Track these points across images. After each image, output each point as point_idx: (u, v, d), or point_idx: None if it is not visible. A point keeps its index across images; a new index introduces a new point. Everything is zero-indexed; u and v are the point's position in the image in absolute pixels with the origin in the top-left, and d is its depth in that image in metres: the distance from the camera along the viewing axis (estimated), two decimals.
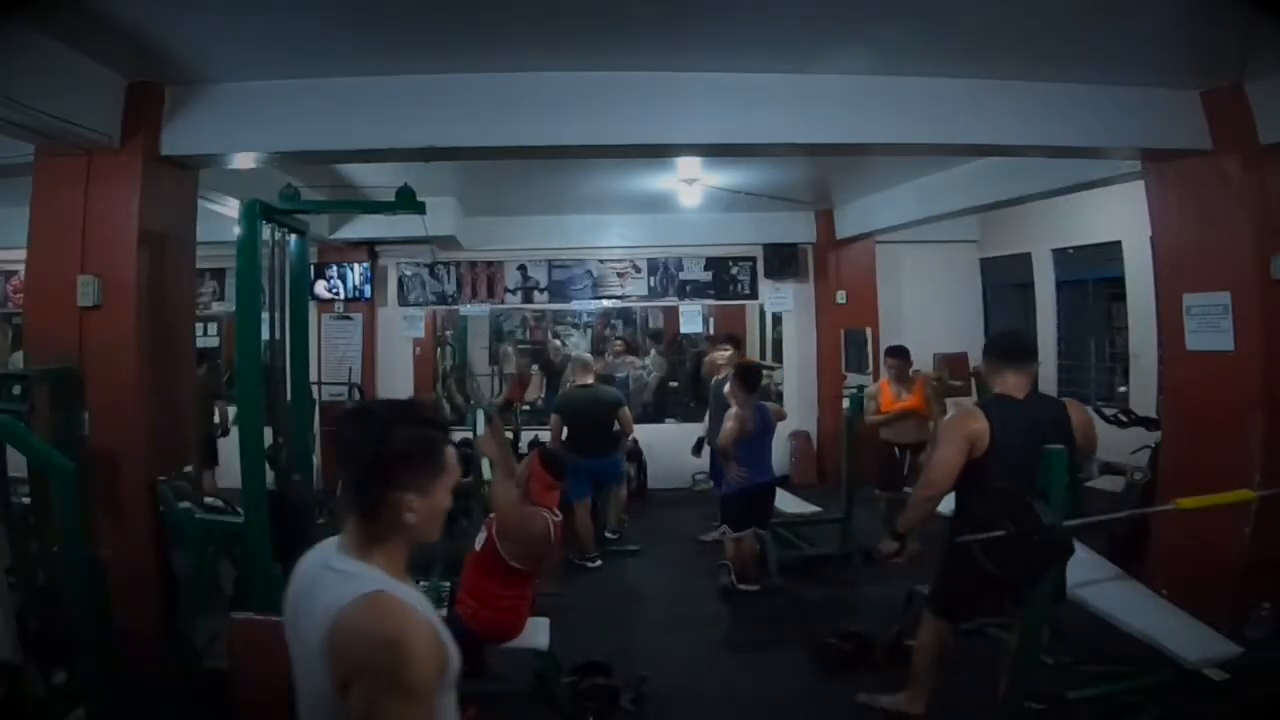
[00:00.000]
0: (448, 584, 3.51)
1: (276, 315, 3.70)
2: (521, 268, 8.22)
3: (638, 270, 8.28)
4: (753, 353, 9.32)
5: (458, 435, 5.87)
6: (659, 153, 4.64)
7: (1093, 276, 6.90)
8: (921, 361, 7.86)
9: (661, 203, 6.93)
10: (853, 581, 5.14)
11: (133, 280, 3.49)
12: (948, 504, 3.02)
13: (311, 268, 7.44)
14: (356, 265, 7.74)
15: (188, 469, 3.81)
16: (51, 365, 3.40)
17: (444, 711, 1.29)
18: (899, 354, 5.64)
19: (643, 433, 7.18)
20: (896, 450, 5.47)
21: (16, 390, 3.35)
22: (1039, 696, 3.00)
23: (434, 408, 1.35)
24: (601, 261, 8.25)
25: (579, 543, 5.58)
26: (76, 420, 3.40)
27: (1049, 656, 3.23)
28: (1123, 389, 6.49)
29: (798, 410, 8.04)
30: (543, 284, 8.26)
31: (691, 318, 8.52)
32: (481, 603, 3.26)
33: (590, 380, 5.92)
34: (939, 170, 6.06)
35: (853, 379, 7.86)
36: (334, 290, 7.72)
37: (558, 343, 9.81)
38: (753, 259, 8.27)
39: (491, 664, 3.60)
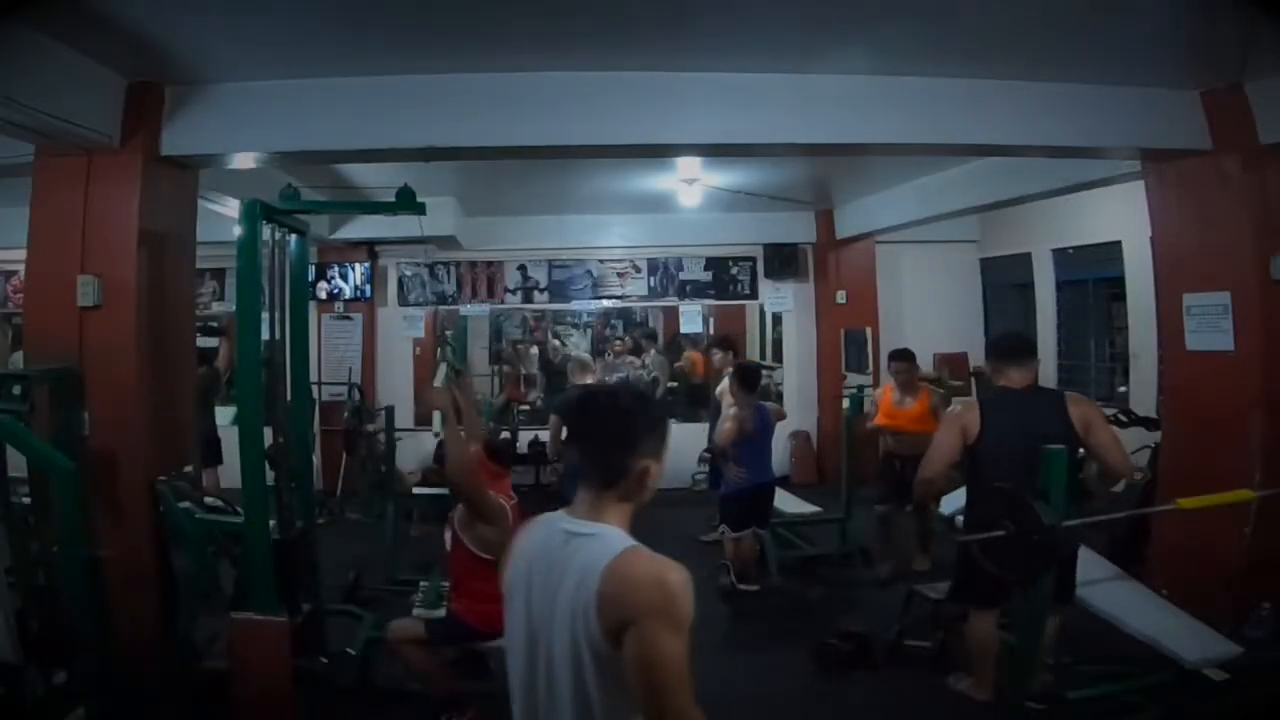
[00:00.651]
0: (447, 584, 3.51)
1: (276, 315, 3.70)
2: (521, 268, 8.21)
3: (638, 270, 8.28)
4: (753, 353, 9.33)
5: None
6: (659, 153, 4.63)
7: (1093, 276, 6.89)
8: (921, 361, 7.89)
9: (661, 203, 6.93)
10: (853, 582, 5.14)
11: (133, 280, 3.49)
12: (946, 504, 3.04)
13: (314, 268, 7.48)
14: (357, 265, 7.75)
15: (188, 469, 3.80)
16: (51, 365, 3.40)
17: None
18: (903, 357, 5.17)
19: None
20: (896, 462, 5.02)
21: (16, 390, 3.35)
22: (1039, 696, 3.01)
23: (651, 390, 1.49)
24: (601, 261, 8.24)
25: None
26: (76, 420, 3.40)
27: (1049, 657, 3.24)
28: (1123, 389, 6.48)
29: (798, 410, 8.04)
30: (543, 284, 8.26)
31: (691, 318, 8.52)
32: (472, 599, 3.26)
33: (590, 380, 5.92)
34: (939, 170, 6.06)
35: (853, 379, 7.86)
36: (336, 291, 7.73)
37: (556, 343, 9.81)
38: (753, 259, 8.27)
39: (492, 664, 3.61)
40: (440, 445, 7.36)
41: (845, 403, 7.64)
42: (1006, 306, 8.17)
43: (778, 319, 8.83)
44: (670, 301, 8.47)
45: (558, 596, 1.38)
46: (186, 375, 4.07)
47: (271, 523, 3.47)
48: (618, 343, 9.68)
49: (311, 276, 6.67)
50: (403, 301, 8.12)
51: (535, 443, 7.15)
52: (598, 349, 9.73)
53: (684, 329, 8.93)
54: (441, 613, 3.37)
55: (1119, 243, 6.22)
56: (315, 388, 6.11)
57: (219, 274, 7.65)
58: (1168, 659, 3.05)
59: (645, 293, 8.35)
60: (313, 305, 5.79)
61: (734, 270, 8.34)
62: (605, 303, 8.53)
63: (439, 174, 4.93)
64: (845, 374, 7.89)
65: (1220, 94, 3.84)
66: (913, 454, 4.84)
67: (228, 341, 5.90)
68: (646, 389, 1.69)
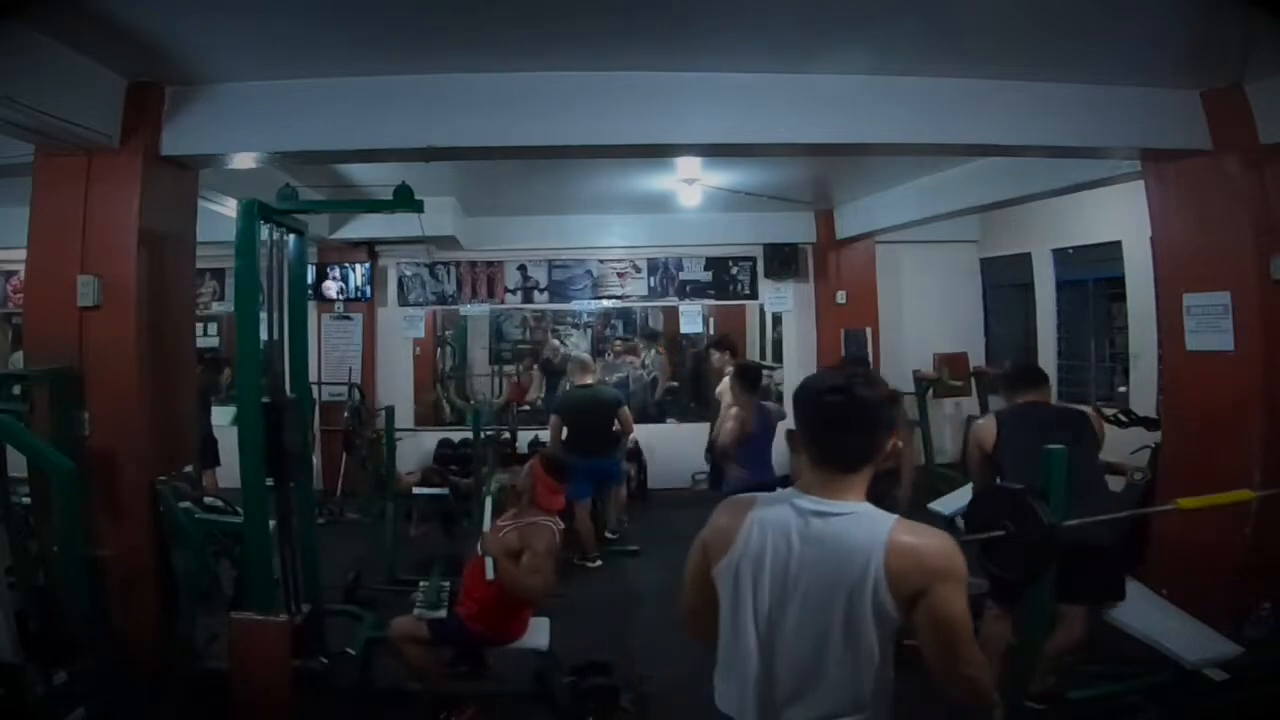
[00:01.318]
0: (447, 584, 3.51)
1: (276, 315, 3.70)
2: (521, 268, 8.21)
3: (638, 270, 8.28)
4: (753, 353, 9.32)
5: (457, 436, 5.85)
6: (659, 153, 4.63)
7: (1093, 276, 6.89)
8: (921, 361, 7.91)
9: (661, 203, 6.93)
10: None
11: (133, 280, 3.49)
12: (945, 505, 3.05)
13: (317, 269, 7.49)
14: (357, 265, 7.75)
15: (188, 469, 3.80)
16: (51, 365, 3.40)
17: None
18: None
19: (642, 433, 7.19)
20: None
21: (16, 390, 3.35)
22: (1039, 696, 3.01)
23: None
24: (601, 261, 8.24)
25: (580, 543, 5.58)
26: (76, 420, 3.40)
27: (1070, 657, 3.25)
28: (1123, 389, 6.48)
29: None
30: (543, 284, 8.25)
31: (691, 318, 8.52)
32: (484, 607, 3.26)
33: (590, 380, 5.92)
34: (939, 170, 6.06)
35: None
36: (342, 293, 7.72)
37: (555, 342, 9.80)
38: (753, 259, 8.27)
39: (492, 664, 3.61)
40: (440, 444, 7.39)
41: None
42: (1006, 306, 8.17)
43: (778, 319, 8.82)
44: (670, 301, 8.46)
45: (807, 570, 1.51)
46: (186, 375, 4.07)
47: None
48: (618, 342, 9.68)
49: (312, 277, 6.69)
50: (403, 301, 8.12)
51: (535, 443, 7.16)
52: (598, 349, 9.72)
53: (684, 329, 8.93)
54: (442, 613, 3.37)
55: (1119, 243, 6.21)
56: (315, 388, 6.11)
57: (219, 274, 7.66)
58: (1168, 659, 3.04)
59: (645, 293, 8.35)
60: (312, 305, 5.80)
61: (734, 270, 8.34)
62: (605, 303, 8.52)
63: (439, 174, 4.92)
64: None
65: (1220, 94, 3.83)
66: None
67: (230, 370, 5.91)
68: (873, 373, 1.77)
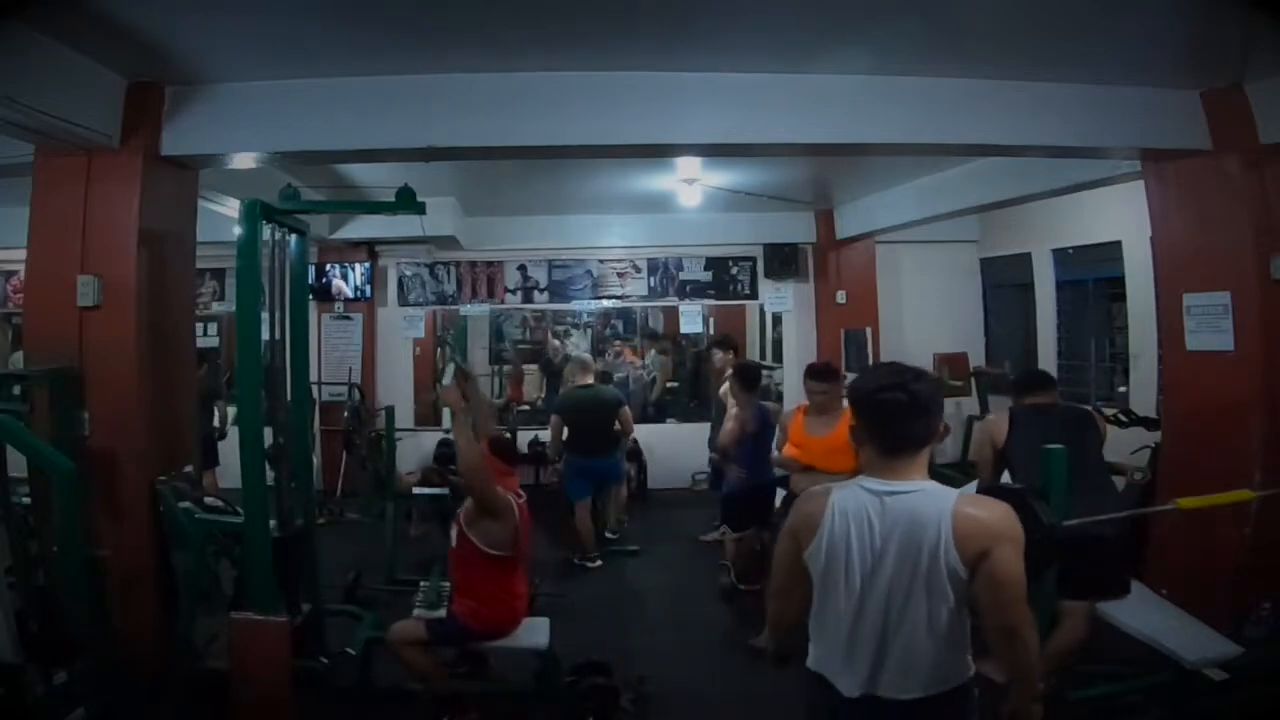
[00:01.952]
0: (447, 584, 3.51)
1: (276, 315, 3.70)
2: (521, 268, 8.21)
3: (638, 270, 8.28)
4: (753, 353, 9.32)
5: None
6: (660, 153, 4.63)
7: (1093, 276, 6.88)
8: (921, 361, 7.89)
9: (661, 203, 6.92)
10: None
11: (133, 280, 3.49)
12: None
13: (319, 268, 7.49)
14: (357, 265, 7.75)
15: (188, 469, 3.80)
16: (51, 365, 3.40)
17: None
18: (825, 376, 4.25)
19: (643, 433, 7.19)
20: None
21: (16, 390, 3.35)
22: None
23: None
24: (601, 261, 8.24)
25: (580, 543, 5.58)
26: (76, 420, 3.40)
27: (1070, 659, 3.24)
28: (1123, 389, 6.47)
29: None
30: (543, 284, 8.25)
31: (691, 318, 8.52)
32: (477, 600, 3.26)
33: (590, 380, 5.92)
34: (939, 170, 6.06)
35: (853, 379, 7.85)
36: (347, 294, 7.72)
37: (556, 343, 9.80)
38: (753, 259, 8.27)
39: (492, 664, 3.61)
40: (440, 444, 7.39)
41: (845, 402, 7.67)
42: (1006, 306, 8.16)
43: (778, 319, 8.82)
44: (670, 301, 8.46)
45: (892, 543, 1.70)
46: (186, 375, 4.07)
47: (272, 523, 3.48)
48: (617, 342, 9.67)
49: (311, 277, 6.69)
50: (403, 301, 8.12)
51: (535, 442, 7.16)
52: (597, 349, 9.72)
53: (684, 329, 8.94)
54: (442, 613, 3.37)
55: (1119, 243, 6.21)
56: (315, 388, 6.12)
57: (219, 274, 7.65)
58: (1168, 659, 3.04)
59: (645, 293, 8.35)
60: (312, 305, 5.80)
61: (734, 270, 8.34)
62: (605, 303, 8.53)
63: (439, 174, 4.93)
64: (845, 374, 7.88)
65: (1220, 94, 3.83)
66: None
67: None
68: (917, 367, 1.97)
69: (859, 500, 1.76)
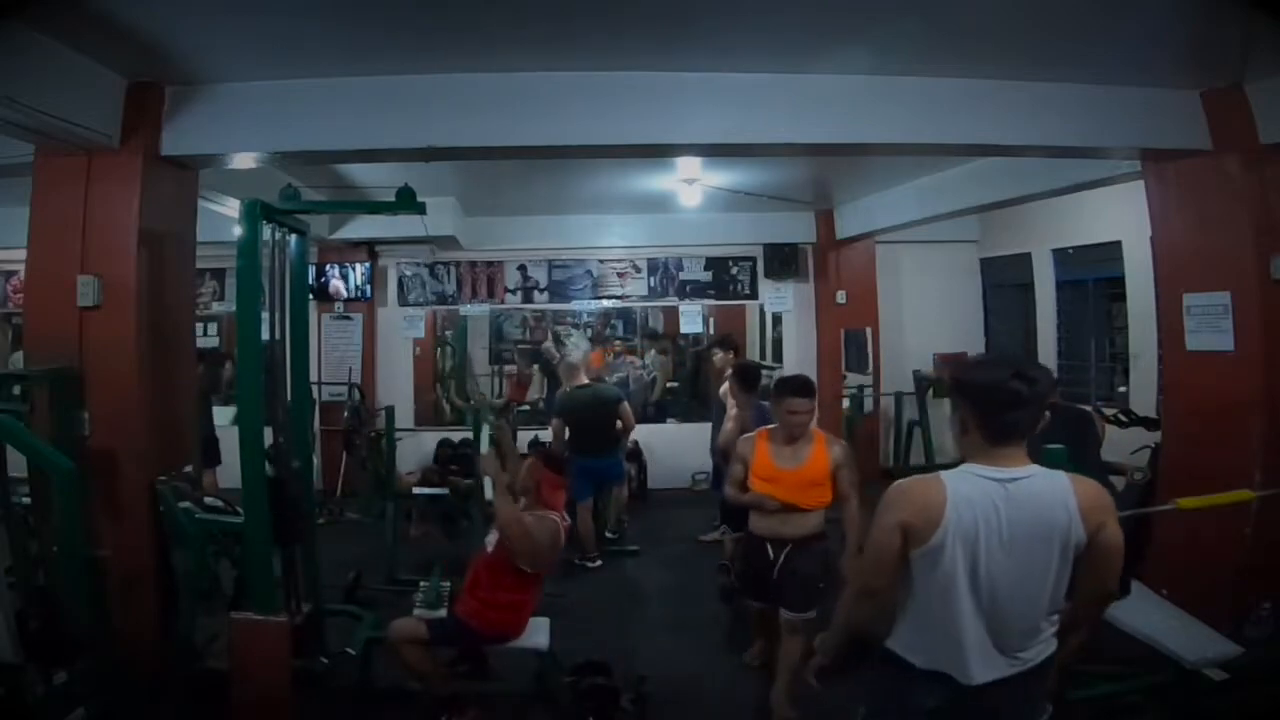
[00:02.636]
0: (448, 584, 3.51)
1: (276, 315, 3.70)
2: (521, 268, 8.21)
3: (638, 270, 8.28)
4: (753, 353, 9.32)
5: (457, 436, 5.85)
6: (659, 153, 4.63)
7: (1093, 276, 6.88)
8: (921, 362, 7.91)
9: (661, 203, 6.93)
10: None
11: (133, 280, 3.49)
12: None
13: (319, 268, 7.49)
14: (357, 265, 7.75)
15: (188, 469, 3.81)
16: (51, 365, 3.40)
17: None
18: (807, 391, 3.37)
19: (643, 433, 7.18)
20: (768, 548, 3.40)
21: (16, 390, 3.35)
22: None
23: None
24: (601, 261, 8.24)
25: (580, 543, 5.58)
26: (76, 420, 3.40)
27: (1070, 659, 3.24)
28: (1123, 389, 6.48)
29: None
30: (543, 284, 8.26)
31: (691, 318, 8.52)
32: (485, 603, 3.26)
33: (585, 380, 5.90)
34: (939, 170, 6.06)
35: (853, 379, 7.87)
36: (346, 293, 7.71)
37: (551, 346, 9.78)
38: (753, 259, 8.27)
39: (492, 664, 3.61)
40: (440, 444, 7.40)
41: (845, 403, 7.69)
42: (1006, 306, 8.17)
43: (778, 319, 8.82)
44: (670, 301, 8.46)
45: (1018, 528, 1.77)
46: (186, 375, 4.07)
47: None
48: (617, 342, 9.65)
49: (311, 277, 6.68)
50: (403, 301, 8.12)
51: (535, 443, 7.16)
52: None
53: (684, 329, 8.94)
54: (442, 613, 3.37)
55: (1119, 243, 6.21)
56: (315, 388, 6.11)
57: (219, 274, 7.66)
58: (1168, 659, 3.04)
59: (645, 293, 8.35)
60: (313, 305, 5.80)
61: (734, 270, 8.34)
62: (605, 303, 8.53)
63: (439, 174, 4.93)
64: (845, 374, 7.90)
65: (1220, 94, 3.84)
66: (799, 536, 3.35)
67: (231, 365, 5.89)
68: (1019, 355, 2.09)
69: (981, 491, 1.79)
